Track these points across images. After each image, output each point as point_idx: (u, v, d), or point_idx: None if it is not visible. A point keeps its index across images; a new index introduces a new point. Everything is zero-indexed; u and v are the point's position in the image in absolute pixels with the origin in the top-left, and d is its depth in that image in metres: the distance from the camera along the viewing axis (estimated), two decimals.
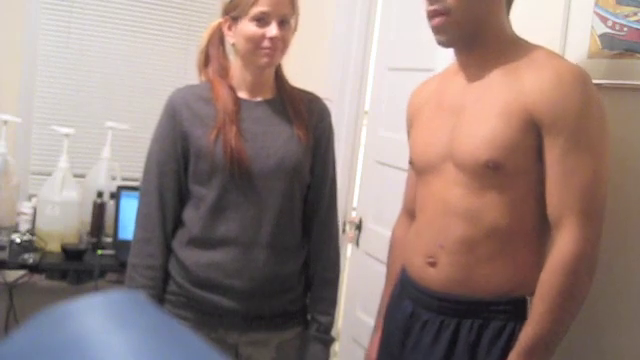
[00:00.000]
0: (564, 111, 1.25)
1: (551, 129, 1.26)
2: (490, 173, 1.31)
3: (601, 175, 1.27)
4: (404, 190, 1.70)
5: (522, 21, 1.44)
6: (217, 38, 1.72)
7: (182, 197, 1.69)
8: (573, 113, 1.25)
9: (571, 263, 1.25)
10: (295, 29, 1.68)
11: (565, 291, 1.25)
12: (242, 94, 1.70)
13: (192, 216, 1.67)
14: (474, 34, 1.36)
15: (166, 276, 1.70)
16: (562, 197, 1.26)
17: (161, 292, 1.69)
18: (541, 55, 1.33)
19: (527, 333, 1.26)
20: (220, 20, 1.70)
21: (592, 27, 1.53)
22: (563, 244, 1.25)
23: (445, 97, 1.46)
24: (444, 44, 1.40)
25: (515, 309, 1.34)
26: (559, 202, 1.27)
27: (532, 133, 1.28)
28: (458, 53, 1.43)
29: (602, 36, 1.51)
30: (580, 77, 1.27)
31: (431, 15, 1.35)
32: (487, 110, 1.33)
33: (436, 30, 1.36)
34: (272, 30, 1.59)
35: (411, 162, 1.53)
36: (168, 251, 1.70)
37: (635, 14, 1.45)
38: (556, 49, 1.48)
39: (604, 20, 1.51)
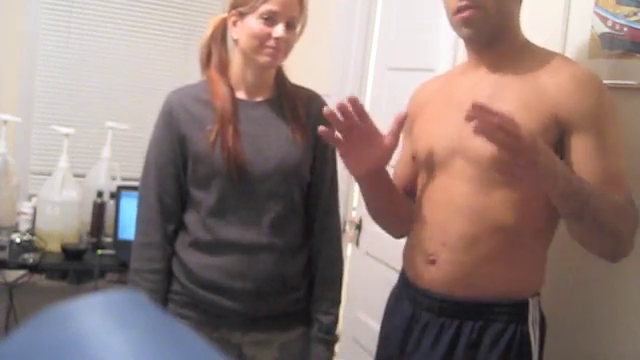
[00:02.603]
0: (589, 109, 1.28)
1: (578, 127, 1.28)
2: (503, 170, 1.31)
3: (624, 163, 1.31)
4: (395, 169, 1.65)
5: (522, 21, 1.44)
6: (220, 33, 1.71)
7: (182, 200, 1.69)
8: (597, 110, 1.28)
9: (627, 201, 1.26)
10: (300, 34, 1.68)
11: (620, 207, 1.25)
12: (240, 94, 1.69)
13: (193, 219, 1.67)
14: (496, 33, 1.37)
15: (169, 276, 1.70)
16: (599, 180, 1.26)
17: (165, 295, 1.69)
18: (556, 60, 1.36)
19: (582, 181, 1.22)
20: (225, 15, 1.69)
21: (592, 27, 1.53)
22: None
23: (454, 94, 1.45)
24: (471, 37, 1.39)
25: (517, 311, 1.33)
26: (596, 184, 1.26)
27: (552, 131, 1.29)
28: (474, 50, 1.43)
29: (602, 36, 1.51)
30: (596, 78, 1.32)
31: (461, 9, 1.34)
32: (503, 107, 1.31)
33: (466, 22, 1.35)
34: (278, 30, 1.59)
35: (416, 157, 1.51)
36: (170, 253, 1.70)
37: (635, 14, 1.45)
38: (556, 49, 1.48)
39: (604, 20, 1.51)
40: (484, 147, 1.32)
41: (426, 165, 1.46)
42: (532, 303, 1.34)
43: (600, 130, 1.28)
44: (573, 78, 1.29)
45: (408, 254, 1.49)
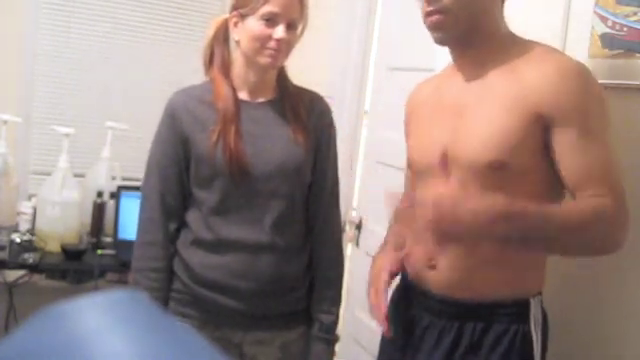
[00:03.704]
0: (572, 102, 1.25)
1: (561, 120, 1.25)
2: (494, 174, 1.29)
3: (614, 155, 1.27)
4: (404, 189, 1.67)
5: (522, 21, 1.44)
6: (222, 34, 1.72)
7: (185, 199, 1.70)
8: (580, 103, 1.25)
9: (597, 211, 1.21)
10: (301, 35, 1.68)
11: (582, 226, 1.22)
12: (243, 95, 1.70)
13: (195, 218, 1.68)
14: (470, 32, 1.35)
15: (171, 275, 1.71)
16: (583, 173, 1.24)
17: (166, 293, 1.70)
18: (538, 51, 1.33)
19: (525, 206, 1.21)
20: (226, 16, 1.70)
21: (592, 27, 1.53)
22: (598, 197, 1.23)
23: (443, 97, 1.44)
24: (441, 41, 1.39)
25: (518, 311, 1.33)
26: (580, 178, 1.24)
27: (538, 129, 1.27)
28: (454, 52, 1.42)
29: (602, 36, 1.51)
30: (581, 69, 1.28)
31: (428, 14, 1.34)
32: (489, 109, 1.31)
33: (433, 28, 1.35)
34: (279, 32, 1.59)
35: (410, 164, 1.50)
36: (172, 253, 1.71)
37: (635, 14, 1.45)
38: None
39: (604, 20, 1.51)
40: (474, 152, 1.31)
41: (421, 171, 1.45)
42: (533, 303, 1.34)
43: (584, 124, 1.25)
44: (557, 70, 1.27)
45: (408, 257, 1.49)
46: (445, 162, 1.32)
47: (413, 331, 1.43)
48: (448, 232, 1.19)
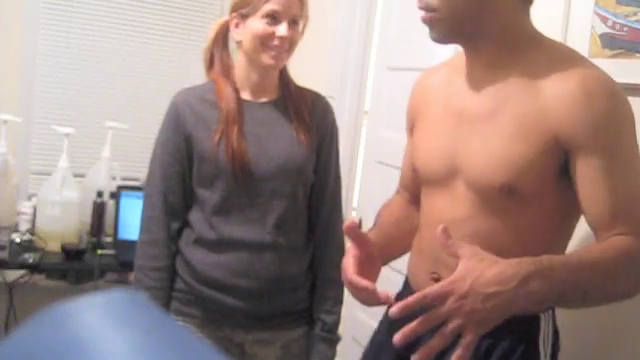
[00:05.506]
0: (597, 128, 1.14)
1: (583, 149, 1.15)
2: (504, 197, 1.21)
3: (639, 182, 1.18)
4: (401, 166, 1.58)
5: None
6: (222, 37, 1.73)
7: (187, 198, 1.70)
8: (606, 128, 1.15)
9: (628, 255, 1.12)
10: (303, 32, 1.68)
11: (615, 270, 1.12)
12: (245, 95, 1.70)
13: (197, 218, 1.68)
14: (468, 32, 1.25)
15: (173, 274, 1.71)
16: (607, 210, 1.15)
17: (168, 293, 1.70)
18: (563, 58, 1.21)
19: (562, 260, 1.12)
20: (226, 18, 1.70)
21: (592, 27, 1.53)
22: (621, 237, 1.14)
23: (451, 98, 1.33)
24: (435, 40, 1.29)
25: (526, 329, 1.26)
26: (603, 215, 1.16)
27: (554, 153, 1.18)
28: (464, 50, 1.32)
29: (602, 36, 1.51)
30: (607, 85, 1.17)
31: (421, 12, 1.26)
32: (503, 126, 1.21)
33: (427, 25, 1.27)
34: (282, 29, 1.60)
35: (414, 169, 1.43)
36: (174, 252, 1.71)
37: (635, 14, 1.45)
38: None
39: (604, 20, 1.51)
40: (484, 174, 1.23)
41: (425, 180, 1.38)
42: (544, 318, 1.27)
43: (608, 149, 1.15)
44: (581, 87, 1.14)
45: (412, 267, 1.43)
46: (446, 237, 1.13)
47: (415, 347, 1.38)
48: (477, 319, 1.06)
